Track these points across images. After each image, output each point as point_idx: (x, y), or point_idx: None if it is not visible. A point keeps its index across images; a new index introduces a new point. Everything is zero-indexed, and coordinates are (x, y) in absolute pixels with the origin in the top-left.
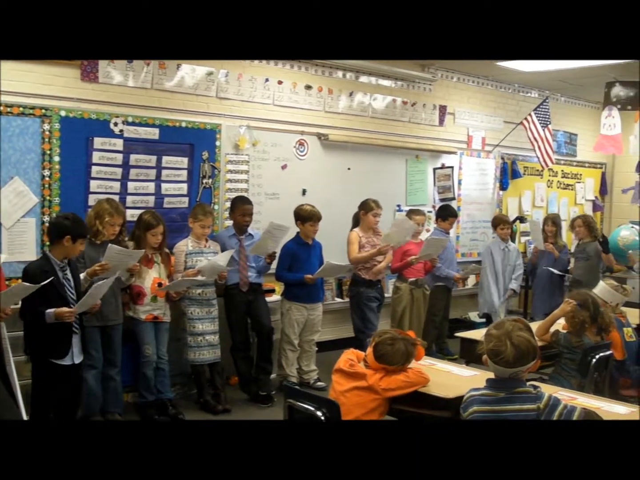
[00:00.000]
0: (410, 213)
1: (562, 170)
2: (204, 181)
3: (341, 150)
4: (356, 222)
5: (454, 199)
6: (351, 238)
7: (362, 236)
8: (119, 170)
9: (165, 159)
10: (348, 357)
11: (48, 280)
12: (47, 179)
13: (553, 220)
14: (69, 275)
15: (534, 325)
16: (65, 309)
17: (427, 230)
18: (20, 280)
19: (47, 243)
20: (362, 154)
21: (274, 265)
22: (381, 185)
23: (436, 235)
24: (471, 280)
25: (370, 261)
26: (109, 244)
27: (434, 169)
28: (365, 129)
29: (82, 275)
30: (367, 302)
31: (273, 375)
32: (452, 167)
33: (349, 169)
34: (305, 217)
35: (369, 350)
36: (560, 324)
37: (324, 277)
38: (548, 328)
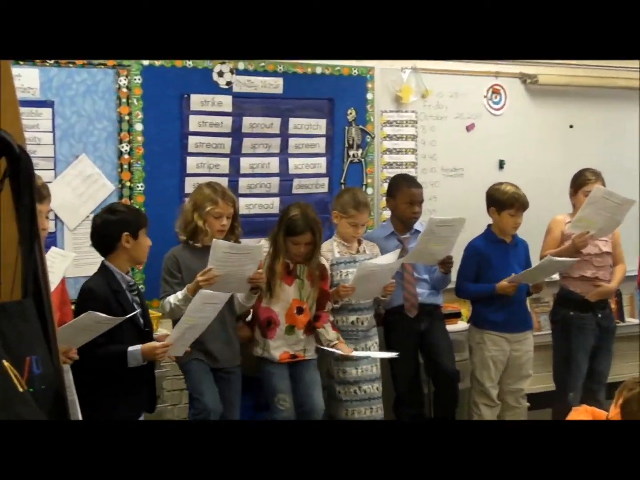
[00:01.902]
0: None
1: None
2: (351, 153)
3: (558, 99)
4: None
5: None
6: (551, 224)
7: (570, 222)
8: (227, 142)
9: (293, 122)
10: (580, 419)
11: (136, 313)
12: (126, 156)
13: None
14: (137, 296)
15: None
16: (156, 343)
17: None
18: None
19: None
20: (591, 104)
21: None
22: (626, 150)
23: None
24: None
25: (584, 267)
26: (214, 240)
27: None
28: (594, 64)
29: (179, 295)
30: (578, 333)
31: None
32: None
33: (571, 126)
34: (504, 202)
35: (614, 410)
36: None
37: (530, 281)
38: None
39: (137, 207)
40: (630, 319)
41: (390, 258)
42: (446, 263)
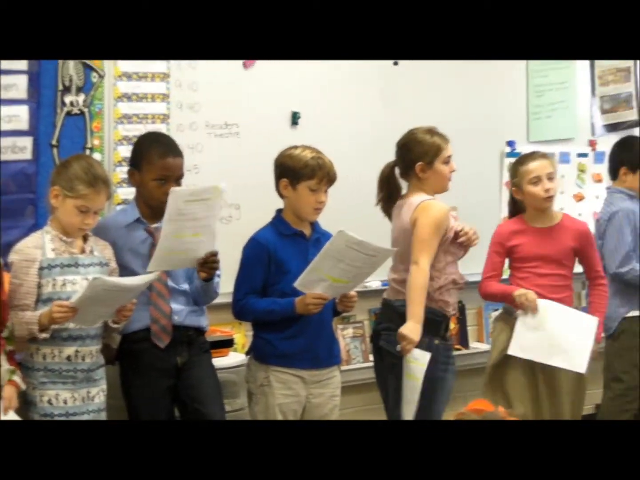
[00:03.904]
0: (527, 159)
1: None
2: (68, 100)
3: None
4: (391, 184)
5: (638, 124)
6: (437, 214)
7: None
8: None
9: None
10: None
11: None
12: None
13: None
14: None
15: None
16: None
17: (578, 198)
18: None
19: None
20: None
21: (226, 286)
22: (471, 102)
23: (614, 203)
24: None
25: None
26: None
27: None
28: None
29: None
30: (443, 380)
31: None
32: None
33: (395, 63)
34: (300, 172)
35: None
36: None
37: (339, 292)
38: None
39: None
40: (477, 344)
41: (143, 279)
42: (208, 263)
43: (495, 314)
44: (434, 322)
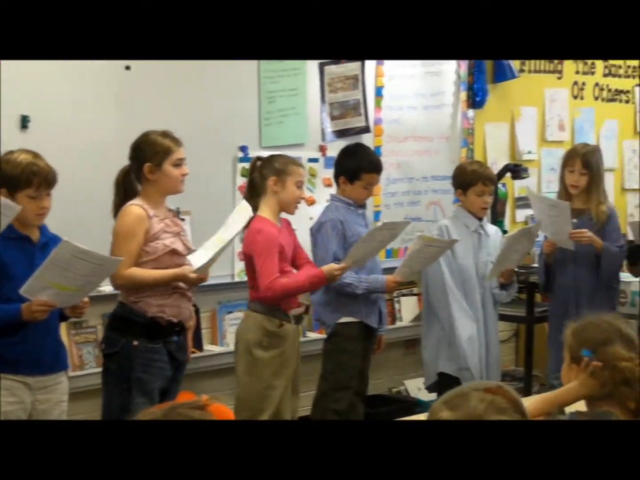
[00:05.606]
0: (273, 161)
1: (609, 67)
2: None
3: None
4: (127, 188)
5: (366, 130)
6: (126, 219)
7: (154, 215)
8: None
9: None
10: None
11: None
12: None
13: (585, 160)
14: None
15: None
16: None
17: (310, 202)
18: None
19: None
20: None
21: None
22: (205, 107)
23: (326, 212)
24: (409, 308)
25: None
26: None
27: (321, 65)
28: None
29: None
30: (140, 380)
31: None
32: (361, 61)
33: (127, 68)
34: (17, 181)
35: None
36: None
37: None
38: (558, 404)
39: None
40: (211, 346)
41: None
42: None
43: (229, 316)
44: (133, 322)
